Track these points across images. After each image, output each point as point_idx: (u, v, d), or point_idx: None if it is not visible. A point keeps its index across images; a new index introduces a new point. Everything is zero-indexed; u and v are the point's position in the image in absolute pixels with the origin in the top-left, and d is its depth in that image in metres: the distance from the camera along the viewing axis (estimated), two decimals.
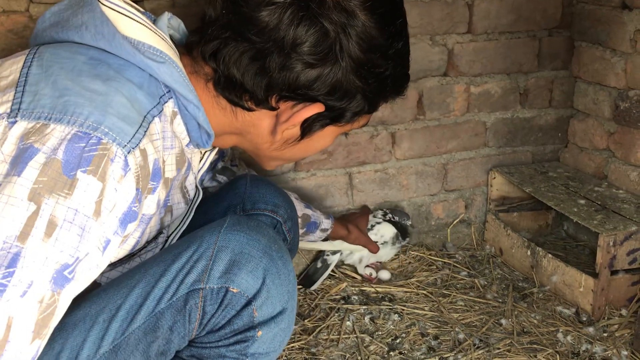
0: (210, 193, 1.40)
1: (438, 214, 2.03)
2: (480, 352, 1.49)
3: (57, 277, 0.72)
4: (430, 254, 1.96)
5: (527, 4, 1.90)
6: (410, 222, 1.89)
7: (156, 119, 0.84)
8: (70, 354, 0.81)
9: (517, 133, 2.05)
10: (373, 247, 1.76)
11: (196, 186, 1.04)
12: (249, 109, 0.90)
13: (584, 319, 1.63)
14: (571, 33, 1.97)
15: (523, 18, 1.91)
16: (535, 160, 2.10)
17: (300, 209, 1.54)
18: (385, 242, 1.80)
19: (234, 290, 0.83)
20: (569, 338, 1.55)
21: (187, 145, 0.94)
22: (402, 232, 1.84)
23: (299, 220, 1.51)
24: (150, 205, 0.86)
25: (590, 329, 1.58)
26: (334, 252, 1.77)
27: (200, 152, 1.02)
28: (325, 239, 1.71)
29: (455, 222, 2.05)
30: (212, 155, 1.05)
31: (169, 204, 0.95)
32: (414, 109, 1.89)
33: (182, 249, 0.86)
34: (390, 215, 1.85)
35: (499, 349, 1.51)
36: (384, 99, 1.00)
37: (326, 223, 1.64)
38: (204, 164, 1.03)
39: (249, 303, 0.84)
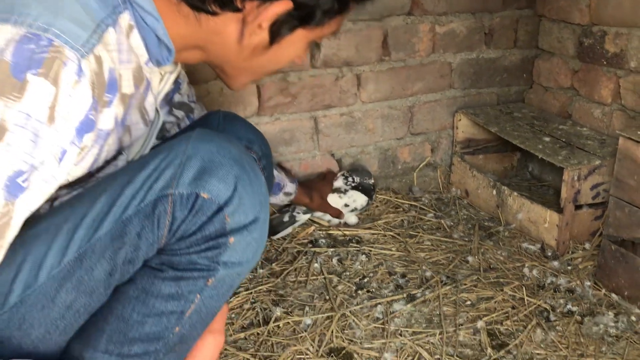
0: (177, 131, 1.35)
1: (404, 157, 2.02)
2: (447, 288, 1.50)
3: (10, 185, 0.69)
4: (397, 198, 1.95)
5: None
6: (372, 181, 1.85)
7: (110, 29, 0.79)
8: (33, 264, 0.77)
9: (482, 74, 2.03)
10: (335, 213, 1.75)
11: (156, 109, 0.99)
12: (213, 13, 0.85)
13: (549, 253, 1.65)
14: None
15: None
16: (501, 102, 2.10)
17: None
18: (355, 209, 1.78)
19: (205, 196, 0.80)
20: (534, 272, 1.57)
21: (146, 63, 0.89)
22: (367, 193, 1.82)
23: None
24: (107, 120, 0.81)
25: (555, 263, 1.60)
26: (305, 212, 1.74)
27: (161, 73, 0.97)
28: (289, 204, 1.70)
29: (421, 165, 2.04)
30: (173, 77, 1.00)
31: (127, 124, 0.90)
32: (379, 49, 1.85)
33: (149, 159, 0.83)
34: (351, 179, 1.81)
35: (465, 284, 1.52)
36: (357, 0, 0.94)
37: (290, 187, 1.61)
38: (164, 85, 0.98)
39: (220, 209, 0.81)
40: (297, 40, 0.93)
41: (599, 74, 1.80)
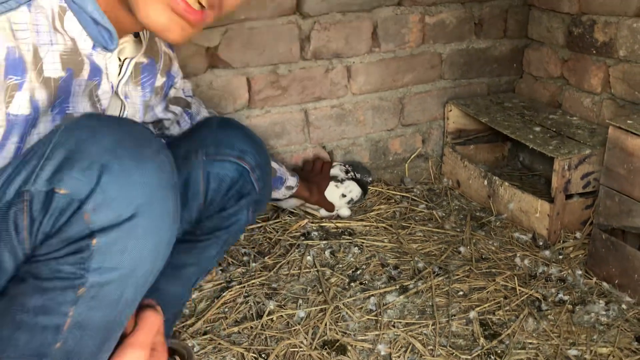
0: (177, 135, 1.30)
1: (395, 149, 2.02)
2: (440, 278, 1.51)
3: None
4: (388, 189, 1.95)
5: None
6: (370, 179, 1.87)
7: (23, 8, 0.75)
8: None
9: (472, 64, 2.03)
10: (331, 208, 1.75)
11: (121, 99, 0.95)
12: None
13: (540, 243, 1.66)
14: None
15: None
16: (491, 92, 2.10)
17: None
18: (351, 200, 1.78)
19: (61, 192, 0.70)
20: (526, 262, 1.58)
21: (93, 48, 0.85)
22: (363, 188, 1.82)
23: None
24: (20, 104, 0.76)
25: (547, 252, 1.61)
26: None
27: (119, 58, 0.92)
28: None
29: (412, 156, 2.04)
30: (134, 62, 0.96)
31: (68, 112, 0.84)
32: (368, 40, 1.84)
33: (26, 151, 0.75)
34: (352, 173, 1.82)
35: (458, 275, 1.53)
36: None
37: (292, 180, 1.56)
38: (125, 71, 0.94)
39: (80, 206, 0.70)
40: None
41: (588, 63, 1.80)
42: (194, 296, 1.46)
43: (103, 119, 0.77)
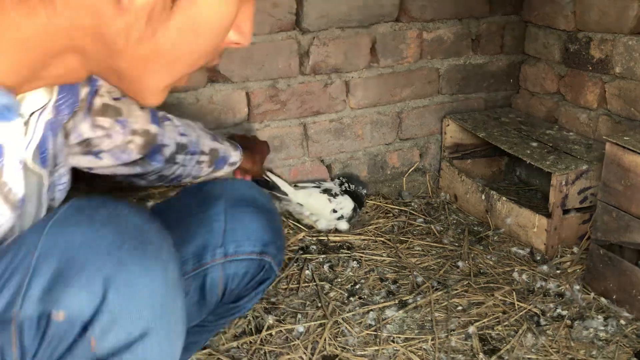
0: (167, 199, 1.10)
1: (393, 163, 2.03)
2: (439, 293, 1.51)
3: None
4: (386, 203, 1.96)
5: None
6: (366, 191, 1.88)
7: None
8: None
9: (469, 80, 2.05)
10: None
11: (39, 173, 0.72)
12: None
13: (538, 258, 1.67)
14: None
15: None
16: (488, 107, 2.11)
17: (208, 143, 1.22)
18: (342, 217, 1.78)
19: (60, 317, 0.57)
20: (524, 276, 1.59)
21: None
22: (358, 201, 1.82)
23: (207, 157, 1.22)
24: None
25: (544, 267, 1.61)
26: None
27: (22, 115, 0.65)
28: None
29: (410, 170, 2.05)
30: (45, 117, 0.70)
31: None
32: (367, 56, 1.86)
33: None
34: (346, 185, 1.82)
35: (456, 289, 1.53)
36: None
37: (235, 156, 1.31)
38: (32, 135, 0.69)
39: (84, 330, 0.58)
40: None
41: (584, 79, 1.82)
42: None
43: (91, 209, 0.62)
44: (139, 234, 0.62)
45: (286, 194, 1.71)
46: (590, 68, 1.79)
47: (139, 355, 0.60)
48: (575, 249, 1.68)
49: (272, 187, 1.68)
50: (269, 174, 1.70)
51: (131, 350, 0.60)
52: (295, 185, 1.77)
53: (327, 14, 1.76)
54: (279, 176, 1.72)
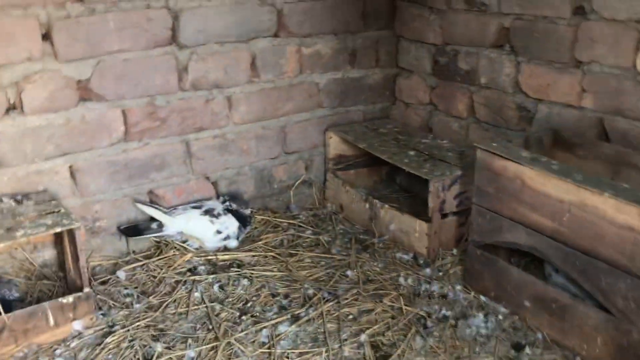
0: None
1: (280, 176, 2.03)
2: (330, 304, 1.52)
3: None
4: (275, 217, 1.95)
5: None
6: (249, 211, 1.87)
7: None
8: None
9: (348, 93, 2.10)
10: None
11: None
12: None
13: (421, 261, 1.74)
14: None
15: None
16: (367, 119, 2.18)
17: None
18: (228, 237, 1.76)
19: None
20: (409, 281, 1.64)
21: None
22: (242, 220, 1.81)
23: None
24: None
25: (427, 270, 1.68)
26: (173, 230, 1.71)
27: None
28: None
29: (297, 183, 2.06)
30: None
31: None
32: (248, 71, 1.85)
33: None
34: (228, 203, 1.80)
35: (347, 299, 1.55)
36: None
37: None
38: None
39: None
40: None
41: (454, 90, 1.93)
42: (72, 344, 1.36)
43: None
44: None
45: (162, 224, 1.67)
46: (459, 79, 1.90)
47: None
48: (454, 251, 1.76)
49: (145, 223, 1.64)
50: (139, 205, 1.65)
51: None
52: (173, 208, 1.73)
53: (205, 29, 1.73)
54: (152, 205, 1.68)
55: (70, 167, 1.63)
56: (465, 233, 1.76)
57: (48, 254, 1.63)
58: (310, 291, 1.59)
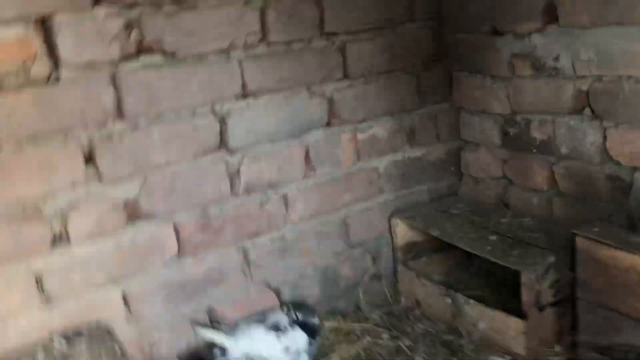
0: None
1: (346, 273, 1.86)
2: None
3: None
4: (345, 322, 1.77)
5: (399, 41, 1.82)
6: (317, 319, 1.65)
7: None
8: None
9: (410, 174, 1.94)
10: None
11: None
12: None
13: None
14: (448, 64, 1.92)
15: (397, 56, 1.83)
16: (433, 199, 2.00)
17: None
18: (297, 353, 1.57)
19: None
20: None
21: None
22: (311, 332, 1.61)
23: None
24: None
25: None
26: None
27: None
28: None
29: (365, 279, 1.88)
30: None
31: None
32: (302, 166, 1.72)
33: None
34: (294, 313, 1.63)
35: None
36: None
37: None
38: None
39: None
40: None
41: (530, 162, 1.75)
42: None
43: None
44: None
45: (225, 350, 1.51)
46: (534, 150, 1.72)
47: None
48: (557, 348, 1.53)
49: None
50: (199, 329, 1.50)
51: None
52: (235, 326, 1.57)
53: (254, 129, 1.61)
54: (212, 327, 1.53)
55: (123, 294, 1.50)
56: (567, 326, 1.53)
57: None
58: None
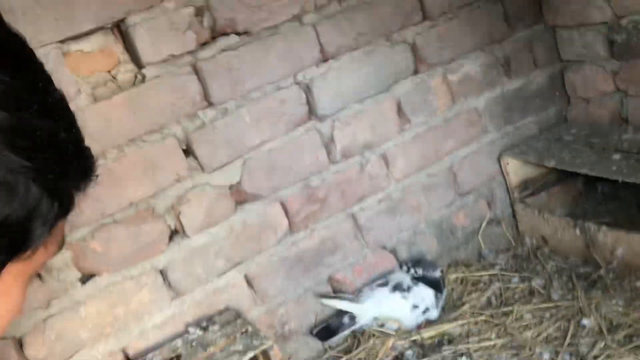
0: None
1: (462, 223, 1.78)
2: None
3: None
4: (470, 271, 1.70)
5: None
6: (439, 272, 1.61)
7: None
8: None
9: (513, 107, 1.82)
10: None
11: None
12: None
13: None
14: None
15: None
16: (542, 129, 1.87)
17: None
18: (427, 309, 1.53)
19: None
20: None
21: None
22: (436, 286, 1.57)
23: None
24: None
25: None
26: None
27: None
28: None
29: (483, 225, 1.80)
30: None
31: None
32: (396, 120, 1.66)
33: None
34: (414, 270, 1.59)
35: (596, 357, 1.25)
36: (73, 178, 0.54)
37: None
38: None
39: None
40: (11, 285, 0.54)
41: None
42: None
43: None
44: None
45: (354, 315, 1.49)
46: None
47: None
48: None
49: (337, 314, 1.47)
50: (324, 300, 1.49)
51: None
52: (359, 292, 1.55)
53: (340, 91, 1.57)
54: (337, 296, 1.51)
55: (245, 276, 1.52)
56: None
57: None
58: (546, 356, 1.30)
